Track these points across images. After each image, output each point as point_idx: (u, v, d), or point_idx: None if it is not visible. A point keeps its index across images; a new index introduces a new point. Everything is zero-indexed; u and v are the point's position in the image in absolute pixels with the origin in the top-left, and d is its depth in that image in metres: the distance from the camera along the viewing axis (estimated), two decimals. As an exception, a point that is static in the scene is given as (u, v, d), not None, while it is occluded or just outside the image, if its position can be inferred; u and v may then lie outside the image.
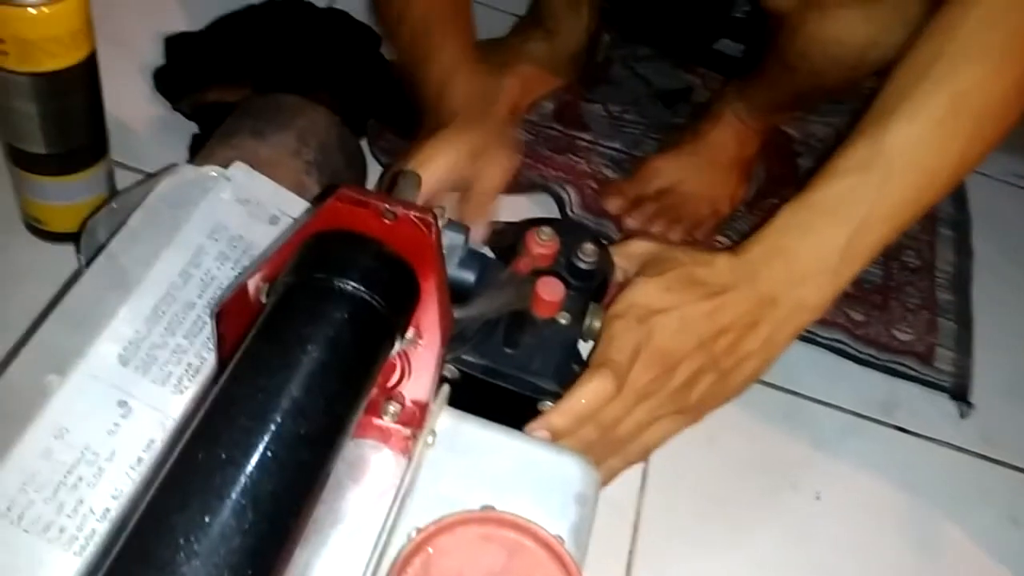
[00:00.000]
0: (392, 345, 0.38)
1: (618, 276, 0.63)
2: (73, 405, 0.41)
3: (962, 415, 0.88)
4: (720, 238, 0.95)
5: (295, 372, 0.33)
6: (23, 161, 0.72)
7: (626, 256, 0.62)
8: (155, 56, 0.94)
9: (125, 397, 0.41)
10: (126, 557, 0.29)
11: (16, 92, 0.67)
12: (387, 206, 0.36)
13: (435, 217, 0.37)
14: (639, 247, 0.62)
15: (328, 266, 0.36)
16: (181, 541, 0.29)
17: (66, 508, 0.39)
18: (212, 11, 0.98)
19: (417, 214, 0.36)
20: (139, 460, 0.41)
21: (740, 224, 0.97)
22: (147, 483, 0.38)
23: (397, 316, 0.37)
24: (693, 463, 0.79)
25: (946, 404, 0.89)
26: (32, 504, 0.38)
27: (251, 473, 0.30)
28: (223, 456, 0.30)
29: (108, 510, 0.39)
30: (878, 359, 0.89)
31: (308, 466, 0.32)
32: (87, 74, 0.69)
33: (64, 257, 0.76)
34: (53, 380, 0.41)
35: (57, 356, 0.42)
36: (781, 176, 1.02)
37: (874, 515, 0.80)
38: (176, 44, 0.96)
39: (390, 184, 0.47)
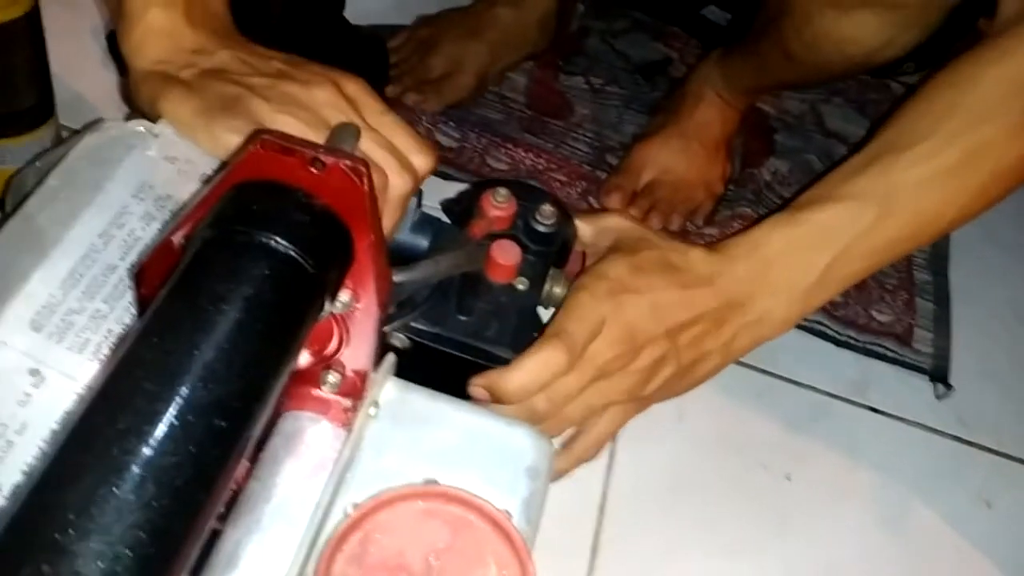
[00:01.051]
0: (321, 306, 0.35)
1: (583, 244, 0.60)
2: (-21, 373, 0.38)
3: (939, 396, 0.86)
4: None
5: (207, 333, 0.30)
6: (-39, 121, 0.69)
7: (599, 229, 0.60)
8: (107, 18, 0.91)
9: (37, 365, 0.38)
10: (11, 536, 0.26)
11: (-47, 48, 0.64)
12: (315, 154, 0.33)
13: (367, 165, 0.34)
14: (614, 222, 0.60)
15: (248, 219, 0.33)
16: (71, 517, 0.26)
17: (-29, 483, 0.36)
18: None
19: (348, 162, 0.33)
20: (52, 433, 0.37)
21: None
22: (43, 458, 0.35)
23: (326, 274, 0.34)
24: (662, 442, 0.77)
25: (920, 384, 0.87)
26: (-67, 480, 0.35)
27: (153, 443, 0.27)
28: (122, 425, 0.27)
29: (18, 486, 0.36)
30: (857, 340, 0.87)
31: (220, 434, 0.29)
32: (28, 29, 0.66)
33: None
34: (-42, 347, 0.38)
35: (-37, 321, 0.39)
36: (758, 148, 1.01)
37: (845, 496, 0.78)
38: (131, 7, 0.92)
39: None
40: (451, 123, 0.93)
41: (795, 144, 1.03)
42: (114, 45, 0.88)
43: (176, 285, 0.31)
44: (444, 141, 0.92)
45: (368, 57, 0.94)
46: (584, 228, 0.59)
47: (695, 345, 0.56)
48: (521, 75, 1.01)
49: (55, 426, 0.38)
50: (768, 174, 0.99)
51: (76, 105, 0.82)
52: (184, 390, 0.28)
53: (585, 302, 0.53)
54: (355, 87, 0.49)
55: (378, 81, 0.94)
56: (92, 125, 0.45)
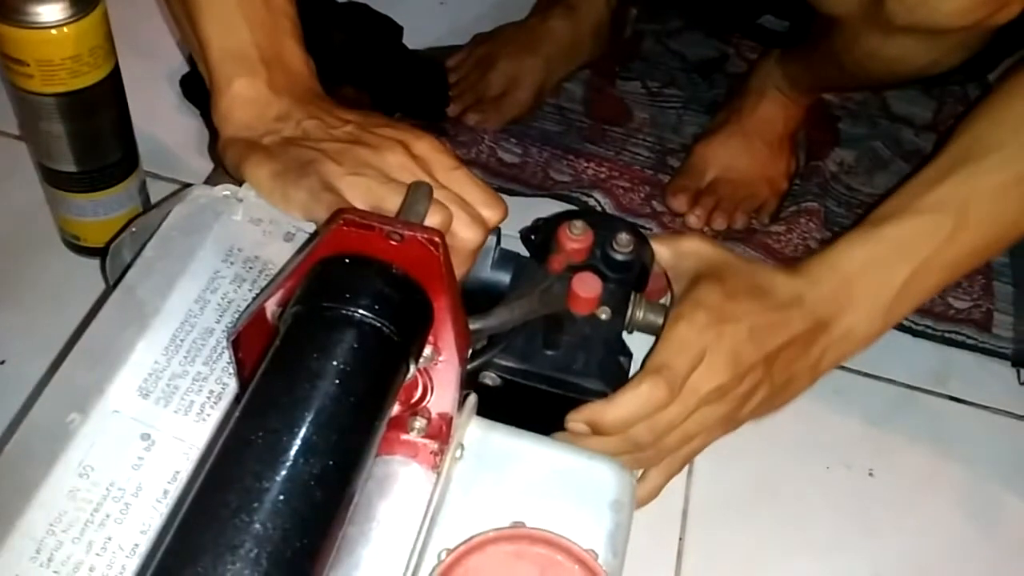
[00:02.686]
0: (407, 369, 0.37)
1: (662, 267, 0.61)
2: (96, 442, 0.41)
3: (1022, 382, 0.85)
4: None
5: (305, 409, 0.32)
6: (56, 180, 0.73)
7: (678, 253, 0.61)
8: (181, 63, 0.95)
9: (148, 430, 0.41)
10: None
11: (44, 113, 0.68)
12: (393, 228, 0.35)
13: (442, 235, 0.36)
14: (693, 245, 0.61)
15: (335, 293, 0.35)
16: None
17: (95, 546, 0.39)
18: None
19: (424, 234, 0.36)
20: (165, 492, 0.40)
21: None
22: (163, 529, 0.38)
23: (409, 340, 0.36)
24: (741, 445, 0.77)
25: (1002, 371, 0.86)
26: (61, 545, 0.38)
27: (263, 521, 0.30)
28: (234, 502, 0.30)
29: (137, 545, 0.39)
30: (935, 329, 0.86)
31: (322, 504, 0.31)
32: (112, 90, 0.70)
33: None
34: (75, 418, 0.41)
35: (78, 394, 0.41)
36: (822, 140, 1.00)
37: (931, 490, 0.78)
38: (200, 50, 0.96)
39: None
40: (512, 139, 0.95)
41: (860, 132, 1.02)
42: (188, 89, 0.92)
43: (271, 363, 0.34)
44: (506, 157, 0.94)
45: (428, 80, 0.96)
46: (663, 251, 0.60)
47: (787, 367, 0.57)
48: (578, 85, 1.02)
49: (168, 486, 0.41)
50: (834, 165, 0.98)
51: (156, 151, 0.86)
52: (286, 467, 0.31)
53: (684, 333, 0.54)
54: (425, 145, 0.51)
55: (439, 103, 0.96)
56: (182, 192, 0.48)
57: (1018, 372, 0.85)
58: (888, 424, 0.81)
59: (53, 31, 0.63)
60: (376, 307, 0.34)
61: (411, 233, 0.35)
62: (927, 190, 0.59)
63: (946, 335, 0.86)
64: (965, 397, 0.84)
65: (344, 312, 0.34)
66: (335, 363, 0.33)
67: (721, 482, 0.75)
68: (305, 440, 0.31)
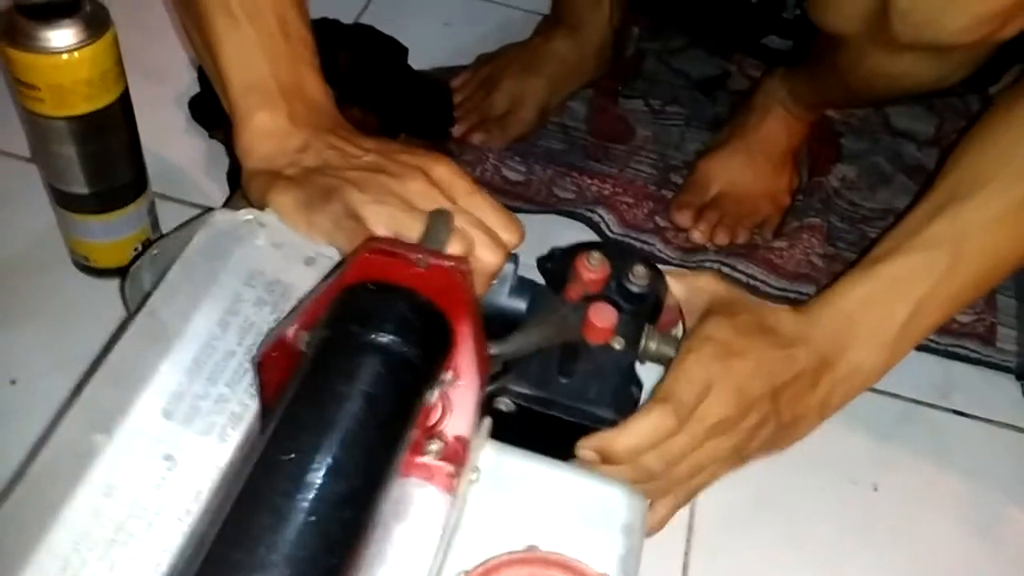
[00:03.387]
0: (429, 394, 0.38)
1: (675, 300, 0.63)
2: (119, 462, 0.41)
3: (1025, 395, 0.86)
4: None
5: (332, 432, 0.33)
6: (67, 202, 0.74)
7: (693, 289, 0.62)
8: (189, 85, 0.95)
9: (170, 450, 0.42)
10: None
11: (54, 136, 0.68)
12: (418, 256, 0.36)
13: (467, 263, 0.37)
14: (706, 282, 0.62)
15: (362, 319, 0.36)
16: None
17: (119, 565, 0.39)
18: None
19: (449, 262, 0.37)
20: (187, 512, 0.41)
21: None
22: (192, 550, 0.38)
23: (432, 364, 0.37)
24: (746, 461, 0.78)
25: (1006, 384, 0.86)
26: (85, 563, 0.39)
27: (293, 540, 0.30)
28: (264, 523, 0.31)
29: (160, 564, 0.40)
30: (938, 343, 0.87)
31: (349, 524, 0.32)
32: (122, 112, 0.70)
33: (114, 292, 0.78)
34: (99, 439, 0.41)
35: (102, 414, 0.42)
36: (824, 156, 1.01)
37: (935, 504, 0.78)
38: (208, 72, 0.97)
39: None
40: (517, 157, 0.96)
41: (862, 147, 1.03)
42: (197, 111, 0.93)
43: (300, 386, 0.35)
44: (511, 176, 0.95)
45: (433, 100, 0.97)
46: (677, 287, 0.62)
47: (792, 404, 0.59)
48: (581, 103, 1.03)
49: (190, 506, 0.41)
50: (836, 181, 0.99)
51: (166, 172, 0.86)
52: (315, 487, 0.32)
53: (693, 365, 0.56)
54: (443, 170, 0.52)
55: (444, 123, 0.97)
56: (203, 217, 0.49)
57: (1022, 385, 0.86)
58: (892, 438, 0.82)
59: (64, 56, 0.64)
60: (401, 333, 0.35)
61: (436, 261, 0.36)
62: (922, 226, 0.60)
63: (949, 349, 0.87)
64: (969, 411, 0.84)
65: (371, 338, 0.35)
66: (361, 387, 0.34)
67: (726, 498, 0.75)
68: (333, 461, 0.32)
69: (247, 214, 0.49)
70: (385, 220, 0.47)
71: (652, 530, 0.61)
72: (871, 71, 0.76)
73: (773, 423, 0.58)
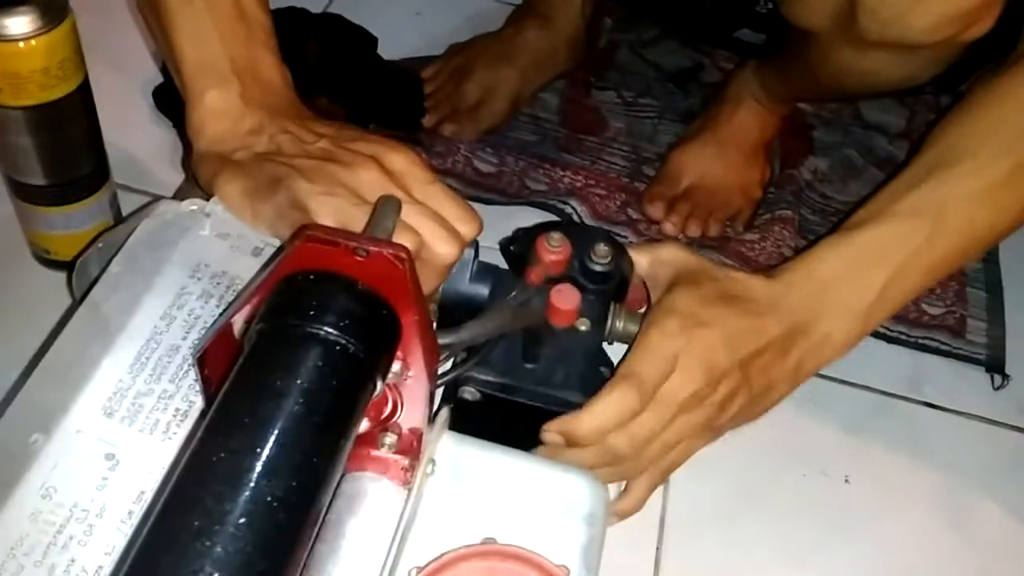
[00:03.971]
0: (374, 387, 0.37)
1: (640, 276, 0.61)
2: (59, 462, 0.40)
3: (996, 387, 0.85)
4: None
5: (268, 429, 0.32)
6: (25, 194, 0.72)
7: (656, 261, 0.61)
8: (154, 75, 0.94)
9: (112, 449, 0.41)
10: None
11: (12, 126, 0.67)
12: (357, 243, 0.35)
13: (407, 251, 0.36)
14: (670, 253, 0.61)
15: (299, 311, 0.34)
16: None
17: (58, 569, 0.38)
18: (206, 25, 0.97)
19: (390, 250, 0.35)
20: (130, 513, 0.40)
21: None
22: (125, 552, 0.37)
23: (376, 356, 0.36)
24: (718, 452, 0.76)
25: (977, 376, 0.86)
26: (23, 568, 0.38)
27: (224, 544, 0.29)
28: (195, 525, 0.29)
29: (101, 567, 0.38)
30: (909, 336, 0.87)
31: (286, 528, 0.31)
32: (81, 102, 0.69)
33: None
34: (39, 439, 0.40)
35: (42, 413, 0.41)
36: (796, 148, 1.01)
37: (908, 496, 0.78)
38: (172, 61, 0.95)
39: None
40: (488, 148, 0.95)
41: (834, 140, 1.02)
42: (161, 101, 0.92)
43: (234, 382, 0.33)
44: (483, 167, 0.94)
45: (403, 91, 0.96)
46: (640, 260, 0.60)
47: (764, 373, 0.57)
48: (553, 95, 1.02)
49: (132, 507, 0.40)
50: (808, 173, 0.99)
51: (129, 163, 0.85)
52: (249, 488, 0.30)
53: (656, 340, 0.54)
54: (399, 159, 0.51)
55: (414, 113, 0.96)
56: (149, 207, 0.48)
57: (992, 377, 0.86)
58: (864, 431, 0.81)
59: (21, 44, 0.63)
60: (341, 324, 0.34)
61: (376, 248, 0.35)
62: (902, 195, 0.59)
63: (920, 341, 0.87)
64: (940, 403, 0.84)
65: (309, 329, 0.34)
66: (299, 381, 0.33)
67: (698, 491, 0.75)
68: (267, 461, 0.31)
69: (192, 204, 0.48)
70: (332, 212, 0.46)
71: (628, 513, 0.60)
72: (840, 67, 0.76)
73: (745, 393, 0.57)
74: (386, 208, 0.43)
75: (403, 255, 0.35)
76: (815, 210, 0.96)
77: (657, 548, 0.72)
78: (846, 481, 0.78)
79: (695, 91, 1.04)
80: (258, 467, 0.31)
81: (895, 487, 0.78)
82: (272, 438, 0.31)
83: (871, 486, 0.78)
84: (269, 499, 0.30)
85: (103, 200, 0.76)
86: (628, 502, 0.60)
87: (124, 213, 0.79)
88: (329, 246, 0.35)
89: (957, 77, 0.76)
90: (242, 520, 0.30)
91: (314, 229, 0.35)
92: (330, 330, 0.34)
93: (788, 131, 1.00)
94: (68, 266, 0.77)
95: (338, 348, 0.34)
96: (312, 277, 0.35)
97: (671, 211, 0.91)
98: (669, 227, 0.91)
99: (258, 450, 0.31)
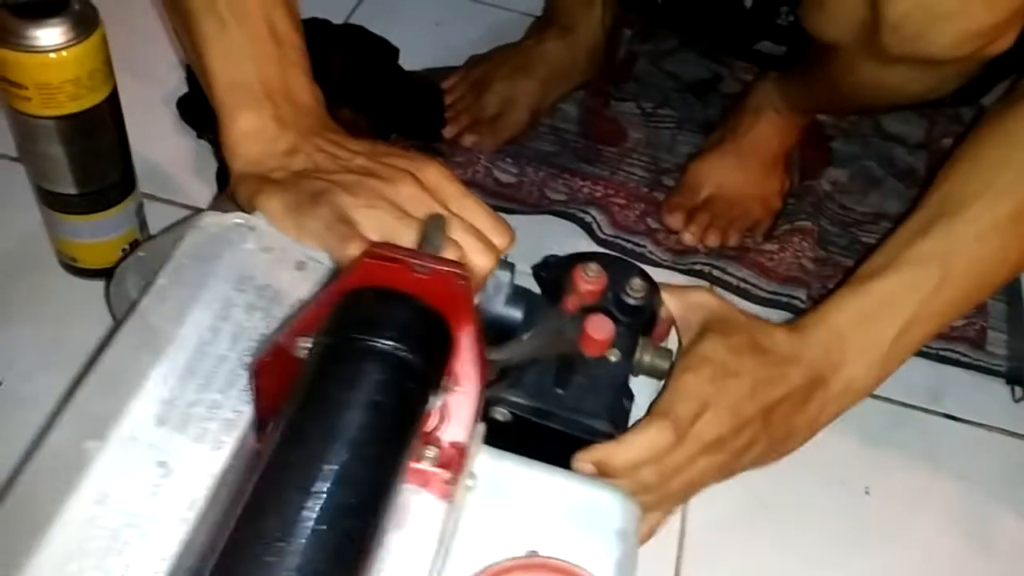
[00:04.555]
0: (429, 400, 0.37)
1: (669, 313, 0.63)
2: (113, 469, 0.40)
3: (1017, 399, 0.86)
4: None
5: (337, 441, 0.32)
6: (53, 202, 0.73)
7: (686, 305, 0.63)
8: (178, 85, 0.95)
9: (164, 457, 0.41)
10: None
11: (42, 136, 0.67)
12: (419, 261, 0.36)
13: (468, 269, 0.36)
14: (701, 298, 0.63)
15: (364, 325, 0.35)
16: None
17: (114, 574, 0.38)
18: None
19: (450, 268, 0.36)
20: (182, 520, 0.40)
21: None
22: (198, 560, 0.38)
23: (433, 371, 0.37)
24: (739, 465, 0.78)
25: (997, 388, 0.87)
26: (81, 572, 0.38)
27: (297, 549, 0.30)
28: (272, 533, 0.30)
29: (156, 573, 0.39)
30: (930, 348, 0.87)
31: (355, 534, 0.32)
32: (110, 112, 0.70)
33: (101, 293, 0.77)
34: (92, 446, 0.41)
35: (95, 421, 0.41)
36: (815, 159, 1.01)
37: (927, 507, 0.78)
38: (197, 71, 0.96)
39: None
40: (508, 159, 0.95)
41: (853, 151, 1.03)
42: (185, 111, 0.92)
43: (303, 394, 0.34)
44: (503, 177, 0.94)
45: (424, 101, 0.97)
46: (672, 303, 0.63)
47: (785, 422, 0.60)
48: (572, 105, 1.02)
49: (185, 514, 0.41)
50: (827, 184, 0.99)
51: (154, 173, 0.86)
52: (320, 497, 0.31)
53: (691, 383, 0.56)
54: (434, 174, 0.52)
55: (435, 124, 0.96)
56: (192, 219, 0.49)
57: (1012, 389, 0.86)
58: (883, 442, 0.82)
59: (52, 55, 0.63)
60: (404, 339, 0.35)
61: (437, 267, 0.36)
62: (910, 244, 0.61)
63: (940, 353, 0.87)
64: (960, 415, 0.85)
65: (373, 344, 0.35)
66: (365, 395, 0.34)
67: (717, 501, 0.75)
68: (339, 471, 0.32)
69: (236, 217, 0.49)
70: (376, 225, 0.47)
71: (642, 540, 0.61)
72: (862, 81, 0.76)
73: (764, 441, 0.60)
74: (435, 227, 0.44)
75: (463, 274, 0.36)
76: (834, 221, 0.96)
77: (677, 559, 0.73)
78: (866, 493, 0.79)
79: (714, 102, 1.05)
80: (332, 476, 0.31)
81: (915, 499, 0.79)
82: (343, 448, 0.32)
83: (891, 498, 0.78)
84: (342, 507, 0.31)
85: (129, 209, 0.76)
86: (642, 532, 0.61)
87: (150, 223, 0.79)
88: (392, 263, 0.36)
89: (977, 90, 0.77)
90: (319, 527, 0.30)
91: (377, 247, 0.36)
92: (393, 344, 0.35)
93: (807, 142, 1.00)
94: (94, 274, 0.78)
95: (401, 363, 0.35)
96: (375, 293, 0.36)
97: (690, 221, 0.92)
98: (688, 237, 0.91)
99: (331, 460, 0.32)
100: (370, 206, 0.48)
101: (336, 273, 0.46)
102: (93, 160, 0.71)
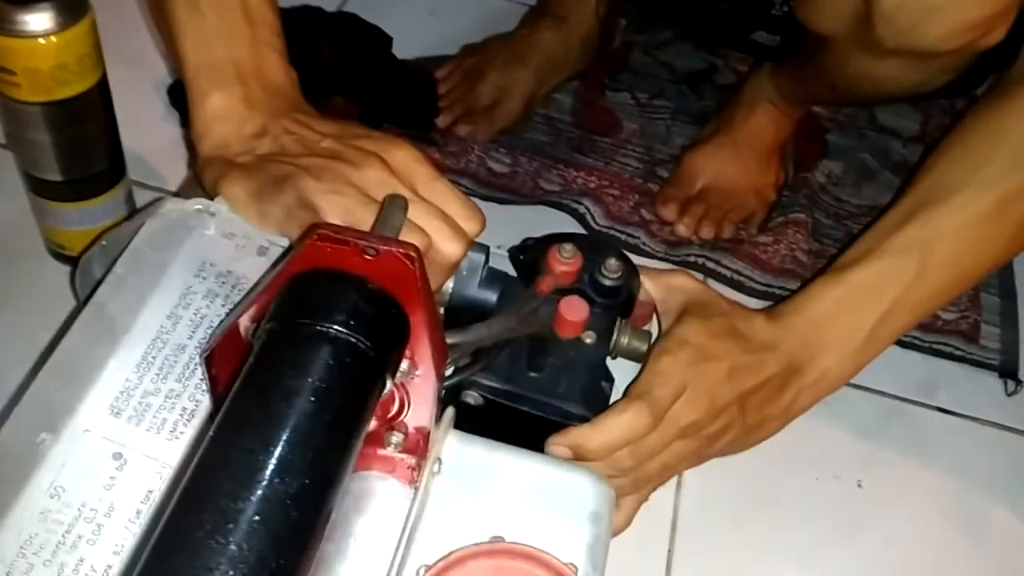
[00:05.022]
0: (383, 385, 0.36)
1: (648, 295, 0.62)
2: (67, 462, 0.40)
3: (1010, 393, 0.85)
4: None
5: (279, 428, 0.32)
6: (42, 189, 0.73)
7: (667, 288, 0.63)
8: (168, 72, 0.94)
9: (120, 449, 0.41)
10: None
11: (30, 122, 0.67)
12: (367, 242, 0.35)
13: (417, 250, 0.35)
14: (680, 281, 0.63)
15: (309, 310, 0.34)
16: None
17: (67, 569, 0.38)
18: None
19: (400, 248, 0.35)
20: (138, 513, 0.40)
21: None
22: (137, 551, 0.37)
23: (386, 355, 0.36)
24: (730, 457, 0.77)
25: (990, 382, 0.86)
26: (32, 568, 0.37)
27: (238, 542, 0.29)
28: (209, 523, 0.29)
29: (110, 567, 0.38)
30: (923, 341, 0.86)
31: (298, 524, 0.31)
32: (99, 99, 0.69)
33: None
34: (46, 438, 0.40)
35: (49, 413, 0.41)
36: (810, 152, 1.00)
37: (920, 501, 0.78)
38: (187, 58, 0.95)
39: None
40: (502, 149, 0.94)
41: (848, 143, 1.01)
42: (175, 97, 0.92)
43: (245, 381, 0.33)
44: (496, 167, 0.93)
45: (417, 91, 0.96)
46: (652, 286, 0.62)
47: (759, 409, 0.60)
48: (567, 95, 1.01)
49: (140, 506, 0.40)
50: (822, 176, 0.98)
51: (144, 160, 0.85)
52: (262, 487, 0.30)
53: (669, 366, 0.56)
54: (403, 156, 0.51)
55: (428, 113, 0.96)
56: (152, 206, 0.48)
57: (1005, 383, 0.85)
58: (877, 435, 0.81)
59: (41, 40, 0.63)
60: (351, 322, 0.34)
61: (386, 247, 0.35)
62: (891, 233, 0.61)
63: (934, 346, 0.86)
64: (953, 408, 0.84)
65: (319, 328, 0.34)
66: (310, 380, 0.33)
67: (710, 493, 0.75)
68: (280, 459, 0.31)
69: (197, 203, 0.48)
70: (340, 211, 0.46)
71: (620, 529, 0.61)
72: (855, 73, 0.76)
73: (738, 426, 0.59)
74: (393, 207, 0.43)
75: (413, 254, 0.35)
76: (829, 214, 0.95)
77: (669, 551, 0.72)
78: (859, 485, 0.78)
79: (708, 93, 1.03)
80: (271, 465, 0.31)
81: (907, 492, 0.78)
82: (285, 436, 0.31)
83: (883, 490, 0.78)
84: (283, 497, 0.30)
85: (118, 197, 0.76)
86: (620, 518, 0.61)
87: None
88: (339, 245, 0.35)
89: (970, 82, 0.76)
90: (256, 518, 0.29)
91: (324, 228, 0.35)
92: (341, 329, 0.34)
93: (802, 134, 0.99)
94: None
95: (348, 347, 0.34)
96: (322, 276, 0.35)
97: (685, 213, 0.91)
98: (682, 228, 0.90)
99: (271, 448, 0.31)
100: (334, 191, 0.47)
101: (285, 256, 0.45)
102: (82, 147, 0.70)
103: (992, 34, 0.63)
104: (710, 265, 0.88)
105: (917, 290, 0.60)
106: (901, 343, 0.86)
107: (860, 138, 1.02)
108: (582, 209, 0.90)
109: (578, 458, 0.53)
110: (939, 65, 0.71)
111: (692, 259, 0.89)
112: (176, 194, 0.86)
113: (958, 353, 0.86)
